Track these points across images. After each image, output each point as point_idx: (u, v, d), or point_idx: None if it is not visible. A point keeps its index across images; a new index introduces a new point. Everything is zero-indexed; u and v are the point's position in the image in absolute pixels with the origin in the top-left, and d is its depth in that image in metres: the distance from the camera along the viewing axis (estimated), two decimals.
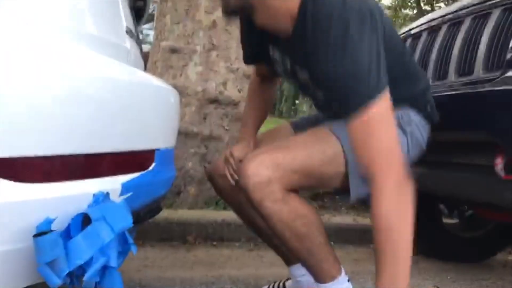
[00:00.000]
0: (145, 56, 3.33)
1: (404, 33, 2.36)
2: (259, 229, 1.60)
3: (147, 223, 2.50)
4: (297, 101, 21.48)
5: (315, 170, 1.28)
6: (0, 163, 0.84)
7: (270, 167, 1.20)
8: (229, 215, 2.72)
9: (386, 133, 1.15)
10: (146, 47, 3.46)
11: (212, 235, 2.58)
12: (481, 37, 1.73)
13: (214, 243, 2.55)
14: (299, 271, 1.56)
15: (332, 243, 2.61)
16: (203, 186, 2.92)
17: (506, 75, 1.57)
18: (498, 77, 1.59)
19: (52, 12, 0.99)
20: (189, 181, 2.90)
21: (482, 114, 1.62)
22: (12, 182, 0.86)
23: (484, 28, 1.73)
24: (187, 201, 2.83)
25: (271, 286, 1.78)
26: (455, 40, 1.85)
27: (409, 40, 2.24)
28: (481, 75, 1.70)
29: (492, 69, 1.67)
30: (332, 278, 1.34)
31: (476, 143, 1.67)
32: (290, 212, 1.24)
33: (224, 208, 2.88)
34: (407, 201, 1.17)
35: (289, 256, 1.59)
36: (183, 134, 2.97)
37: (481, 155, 1.68)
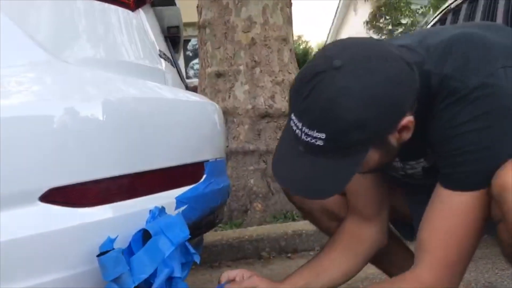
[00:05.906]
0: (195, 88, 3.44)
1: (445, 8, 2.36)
2: None
3: (220, 245, 2.56)
4: None
5: None
6: (56, 192, 0.89)
7: None
8: (299, 225, 2.70)
9: None
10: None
11: (286, 248, 2.56)
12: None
13: (289, 255, 2.53)
14: None
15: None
16: (268, 201, 2.93)
17: None
18: None
19: (84, 46, 1.06)
20: (254, 198, 2.92)
21: None
22: (69, 208, 0.91)
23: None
24: (256, 217, 2.84)
25: None
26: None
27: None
28: None
29: None
30: None
31: None
32: None
33: (293, 220, 2.86)
34: None
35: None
36: (241, 153, 3.01)
37: None
